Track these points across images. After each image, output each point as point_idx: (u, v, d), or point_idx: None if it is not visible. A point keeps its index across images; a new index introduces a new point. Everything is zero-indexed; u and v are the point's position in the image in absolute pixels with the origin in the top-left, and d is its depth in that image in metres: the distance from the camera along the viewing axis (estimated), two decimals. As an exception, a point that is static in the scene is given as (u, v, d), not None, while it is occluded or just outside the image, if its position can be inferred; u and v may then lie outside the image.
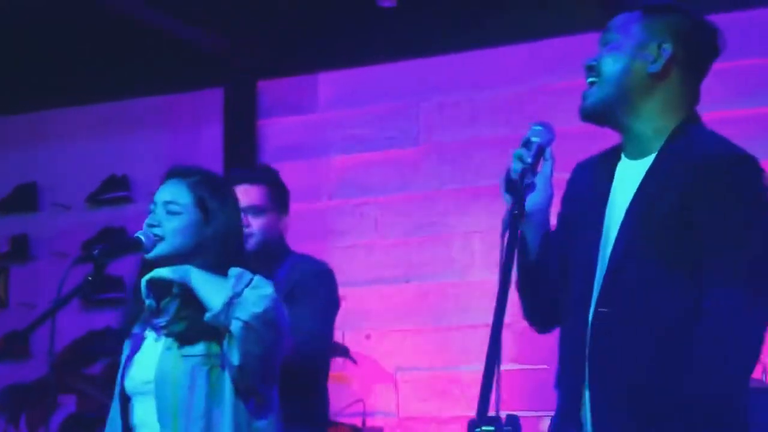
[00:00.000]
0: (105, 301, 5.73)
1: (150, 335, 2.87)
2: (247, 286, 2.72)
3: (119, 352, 2.97)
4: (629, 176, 2.45)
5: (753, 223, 2.33)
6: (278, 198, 3.77)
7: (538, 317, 2.55)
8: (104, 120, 6.29)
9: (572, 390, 2.40)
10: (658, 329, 2.32)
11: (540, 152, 2.40)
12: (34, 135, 6.45)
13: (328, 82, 5.83)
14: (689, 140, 2.42)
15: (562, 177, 2.58)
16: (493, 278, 2.28)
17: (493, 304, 2.16)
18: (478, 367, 2.53)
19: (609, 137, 2.59)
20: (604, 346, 2.35)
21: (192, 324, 2.78)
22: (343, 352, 5.40)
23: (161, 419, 2.77)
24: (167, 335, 2.81)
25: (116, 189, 6.11)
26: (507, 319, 2.20)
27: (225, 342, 2.71)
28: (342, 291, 5.66)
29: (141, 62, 6.09)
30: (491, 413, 2.26)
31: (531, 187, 2.36)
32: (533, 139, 2.40)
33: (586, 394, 2.37)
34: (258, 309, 2.69)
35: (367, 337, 5.52)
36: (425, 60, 5.61)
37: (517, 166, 2.37)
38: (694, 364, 2.26)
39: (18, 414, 5.41)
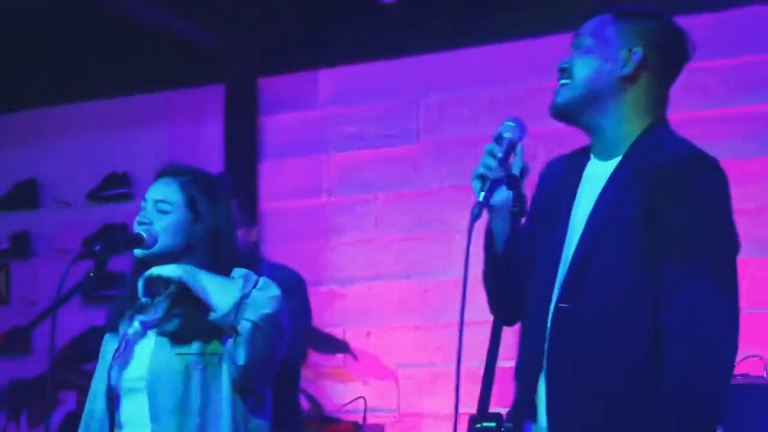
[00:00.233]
0: (106, 298, 5.72)
1: (137, 332, 2.88)
2: (254, 287, 2.74)
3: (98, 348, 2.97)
4: (596, 177, 2.49)
5: (712, 222, 2.39)
6: (245, 209, 3.74)
7: (504, 310, 2.58)
8: (105, 117, 6.29)
9: (529, 381, 2.44)
10: (616, 326, 2.36)
11: (511, 147, 2.43)
12: (34, 132, 6.45)
13: (329, 79, 5.84)
14: (655, 143, 2.46)
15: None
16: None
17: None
18: (479, 363, 2.55)
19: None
20: (563, 340, 2.39)
21: (186, 323, 2.79)
22: (344, 348, 5.41)
23: (154, 417, 2.76)
24: (160, 333, 2.81)
25: (117, 186, 6.11)
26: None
27: (230, 342, 2.72)
28: (342, 288, 5.71)
29: (142, 59, 6.09)
30: (492, 410, 2.28)
31: (501, 181, 2.40)
32: (505, 134, 2.44)
33: (542, 386, 2.41)
34: (267, 310, 2.71)
35: (368, 333, 5.52)
36: (425, 57, 5.62)
37: (489, 161, 2.40)
38: (668, 362, 2.29)
39: (19, 410, 5.42)
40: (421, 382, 5.37)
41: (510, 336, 2.54)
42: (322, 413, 5.27)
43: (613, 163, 2.47)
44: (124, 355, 2.86)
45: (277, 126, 5.93)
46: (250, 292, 2.72)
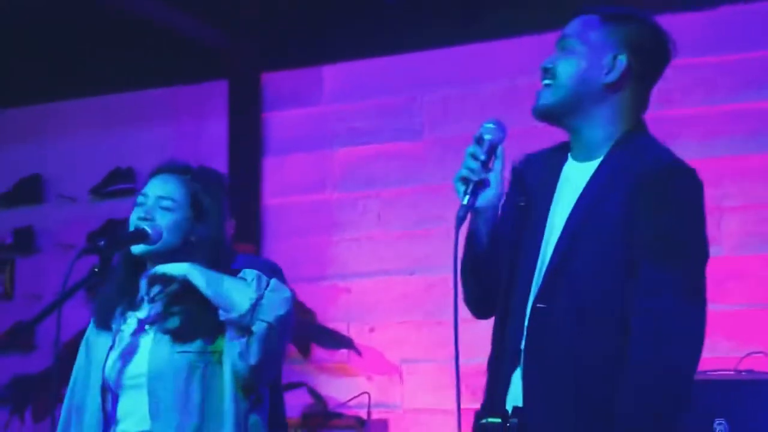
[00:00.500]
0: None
1: (134, 329, 2.87)
2: (266, 288, 2.75)
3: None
4: (575, 178, 2.50)
5: (688, 230, 2.41)
6: None
7: (481, 305, 2.60)
8: (109, 112, 6.29)
9: (502, 379, 2.46)
10: (591, 327, 2.38)
11: (492, 149, 2.45)
12: (39, 127, 6.46)
13: (333, 75, 5.83)
14: (635, 148, 2.48)
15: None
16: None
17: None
18: (483, 359, 2.55)
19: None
20: (540, 339, 2.41)
21: (189, 321, 2.79)
22: (348, 344, 5.41)
23: (154, 414, 2.76)
24: (161, 331, 2.81)
25: (121, 181, 6.12)
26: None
27: (242, 342, 2.72)
28: (346, 283, 5.70)
29: (146, 55, 6.09)
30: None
31: (484, 183, 2.43)
32: (486, 136, 2.46)
33: (517, 382, 2.43)
34: (281, 311, 2.73)
35: (372, 329, 5.53)
36: (429, 52, 5.61)
37: (472, 163, 2.42)
38: (632, 357, 2.32)
39: (23, 405, 5.43)
40: (425, 378, 5.37)
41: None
42: (326, 409, 5.27)
43: (592, 166, 2.49)
44: (121, 352, 2.85)
45: (280, 122, 5.93)
46: (264, 293, 2.73)
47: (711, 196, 2.53)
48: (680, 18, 5.01)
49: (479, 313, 2.61)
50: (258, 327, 2.70)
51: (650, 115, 2.61)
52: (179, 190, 2.89)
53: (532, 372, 2.40)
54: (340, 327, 5.51)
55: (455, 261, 2.36)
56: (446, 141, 5.51)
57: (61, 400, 2.99)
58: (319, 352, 5.51)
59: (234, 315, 2.71)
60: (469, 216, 2.46)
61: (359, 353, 5.39)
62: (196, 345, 2.78)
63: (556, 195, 2.51)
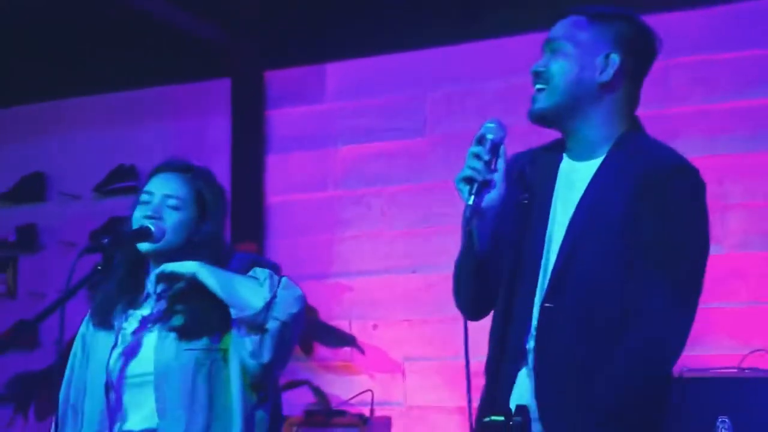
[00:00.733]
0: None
1: (137, 327, 2.87)
2: (278, 286, 2.77)
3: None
4: (575, 177, 2.51)
5: (691, 231, 2.43)
6: None
7: (477, 306, 2.60)
8: (112, 110, 6.30)
9: (505, 377, 2.46)
10: (598, 325, 2.40)
11: (495, 149, 2.45)
12: (41, 125, 6.46)
13: (336, 73, 5.83)
14: (635, 148, 2.50)
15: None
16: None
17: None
18: (482, 358, 2.55)
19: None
20: (549, 338, 2.42)
21: (195, 318, 2.79)
22: (351, 341, 5.41)
23: (161, 412, 2.77)
24: (168, 329, 2.81)
25: (124, 179, 6.12)
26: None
27: (254, 340, 2.72)
28: (349, 281, 5.70)
29: (149, 53, 6.09)
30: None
31: (489, 184, 2.43)
32: (488, 136, 2.46)
33: (524, 381, 2.43)
34: (294, 309, 2.76)
35: (374, 327, 5.53)
36: (433, 50, 5.61)
37: (475, 164, 2.41)
38: (619, 357, 2.35)
39: (27, 403, 5.43)
40: (428, 376, 5.37)
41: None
42: (328, 406, 5.28)
43: (592, 165, 2.50)
44: (124, 350, 2.85)
45: (283, 120, 5.93)
46: (277, 291, 2.75)
47: (712, 194, 2.53)
48: (682, 16, 5.01)
49: (473, 314, 2.60)
50: (272, 325, 2.72)
51: (651, 114, 2.62)
52: (184, 188, 2.90)
53: (542, 371, 2.41)
54: (343, 325, 5.51)
55: (465, 261, 2.30)
56: (449, 139, 5.51)
57: (64, 398, 2.99)
58: (321, 349, 5.51)
59: (248, 313, 2.72)
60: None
61: (362, 351, 5.39)
62: (202, 342, 2.79)
63: (555, 194, 2.52)
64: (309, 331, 5.29)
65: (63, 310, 2.76)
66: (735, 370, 4.16)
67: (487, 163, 2.43)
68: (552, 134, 2.65)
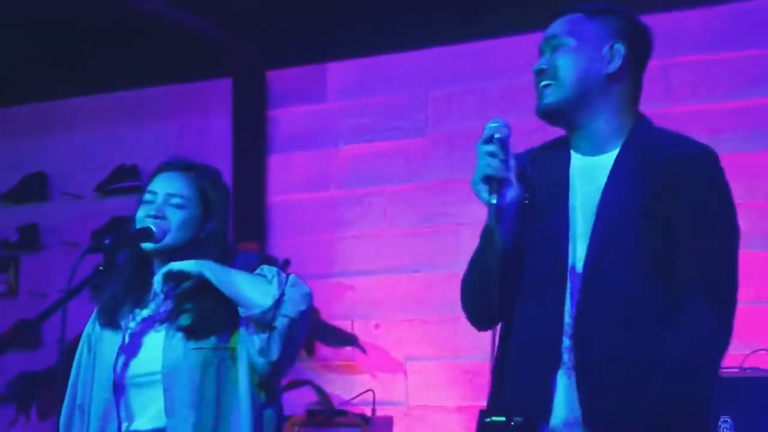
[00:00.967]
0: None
1: (144, 326, 2.87)
2: (286, 284, 2.77)
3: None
4: (590, 172, 2.50)
5: (724, 213, 2.44)
6: None
7: (492, 313, 2.53)
8: (114, 110, 6.30)
9: (539, 379, 2.43)
10: (638, 322, 2.38)
11: (505, 147, 2.43)
12: (43, 125, 6.46)
13: (337, 72, 5.83)
14: (650, 138, 2.50)
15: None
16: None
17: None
18: (488, 357, 2.55)
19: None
20: (589, 339, 2.40)
21: (203, 317, 2.79)
22: (352, 341, 5.41)
23: (169, 411, 2.76)
24: (175, 328, 2.81)
25: (126, 179, 6.12)
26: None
27: (263, 338, 2.72)
28: (350, 281, 5.71)
29: (150, 52, 6.10)
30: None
31: (508, 181, 2.41)
32: (496, 135, 2.43)
33: (561, 382, 2.41)
34: (303, 306, 2.76)
35: (376, 326, 5.53)
36: (434, 50, 5.61)
37: (493, 162, 2.39)
38: (665, 369, 2.34)
39: (29, 402, 5.44)
40: (430, 375, 5.37)
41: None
42: (330, 406, 5.28)
43: (606, 158, 2.49)
44: (132, 350, 2.85)
45: (285, 119, 5.93)
46: (285, 289, 2.75)
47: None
48: (682, 16, 5.02)
49: (488, 321, 2.55)
50: (280, 323, 2.71)
51: (651, 113, 2.62)
52: (188, 186, 2.89)
53: (584, 370, 2.38)
54: (345, 324, 5.51)
55: (490, 259, 2.28)
56: (451, 138, 5.51)
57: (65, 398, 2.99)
58: (323, 349, 5.51)
59: (256, 311, 2.71)
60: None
61: (364, 351, 5.40)
62: (210, 341, 2.78)
63: (571, 191, 2.50)
64: (311, 331, 5.29)
65: (64, 310, 2.76)
66: (737, 370, 4.16)
67: (504, 161, 2.41)
68: (555, 132, 2.64)
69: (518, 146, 2.58)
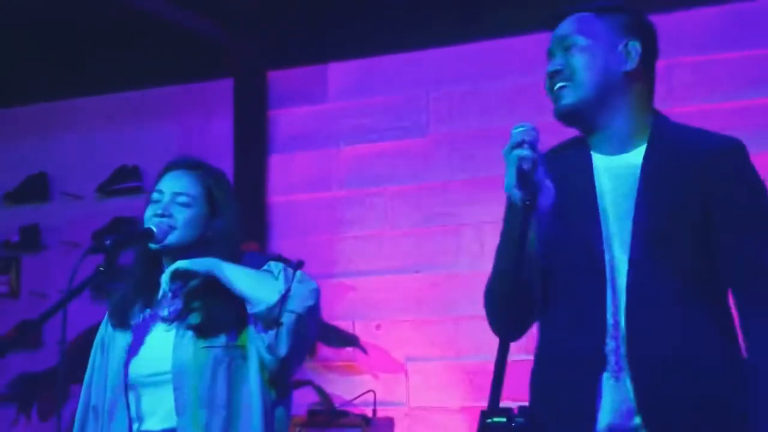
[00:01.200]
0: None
1: (154, 325, 2.87)
2: (293, 279, 2.77)
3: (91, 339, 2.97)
4: (617, 171, 2.46)
5: (759, 208, 2.44)
6: None
7: (522, 321, 2.50)
8: (115, 110, 6.30)
9: (581, 383, 2.39)
10: (689, 323, 2.37)
11: (536, 151, 2.37)
12: (45, 125, 6.47)
13: (338, 73, 5.84)
14: (675, 134, 2.48)
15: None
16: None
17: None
18: (489, 357, 2.54)
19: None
20: (639, 342, 2.37)
21: (212, 316, 2.79)
22: (354, 342, 5.41)
23: (180, 410, 2.76)
24: (185, 327, 2.80)
25: (127, 179, 6.13)
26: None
27: (271, 334, 2.72)
28: (352, 281, 5.71)
29: (151, 53, 6.10)
30: (503, 404, 2.27)
31: (543, 184, 2.36)
32: (526, 138, 2.39)
33: (607, 384, 2.38)
34: (310, 302, 2.76)
35: (377, 327, 5.53)
36: (435, 50, 5.61)
37: (527, 165, 2.33)
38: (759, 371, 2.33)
39: (30, 403, 5.43)
40: (431, 376, 5.37)
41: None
42: (331, 407, 5.28)
43: (632, 156, 2.46)
44: (142, 349, 2.85)
45: (286, 119, 5.94)
46: (291, 284, 2.75)
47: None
48: (683, 16, 5.02)
49: (519, 331, 2.50)
50: (287, 318, 2.71)
51: (654, 112, 2.61)
52: (194, 185, 2.90)
53: (642, 375, 2.35)
54: (346, 325, 5.51)
55: (518, 262, 2.26)
56: (452, 138, 5.52)
57: (66, 399, 2.99)
58: (324, 350, 5.51)
59: (262, 308, 2.71)
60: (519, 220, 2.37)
61: (365, 351, 5.40)
62: (221, 340, 2.78)
63: (599, 191, 2.46)
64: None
65: (65, 310, 2.76)
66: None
67: (537, 163, 2.35)
68: (561, 133, 2.61)
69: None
